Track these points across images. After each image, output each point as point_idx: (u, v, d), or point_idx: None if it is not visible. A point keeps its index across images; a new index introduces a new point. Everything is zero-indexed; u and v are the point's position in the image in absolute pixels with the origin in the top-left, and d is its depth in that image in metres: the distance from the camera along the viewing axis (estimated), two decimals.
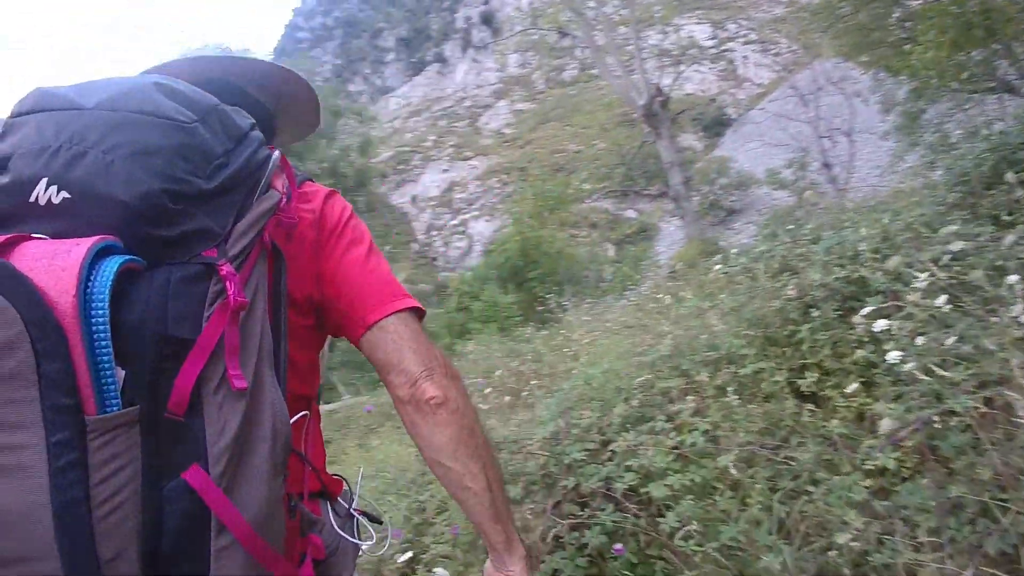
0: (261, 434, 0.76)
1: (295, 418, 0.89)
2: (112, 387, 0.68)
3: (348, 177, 30.64)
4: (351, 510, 1.14)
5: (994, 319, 1.94)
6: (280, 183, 0.91)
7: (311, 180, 1.09)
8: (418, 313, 1.03)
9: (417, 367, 0.97)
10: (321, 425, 1.14)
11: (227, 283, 0.75)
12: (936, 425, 1.78)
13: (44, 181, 0.73)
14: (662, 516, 1.96)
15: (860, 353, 2.26)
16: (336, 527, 1.04)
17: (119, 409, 0.68)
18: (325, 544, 1.00)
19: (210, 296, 0.74)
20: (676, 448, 2.17)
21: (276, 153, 0.93)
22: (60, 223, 0.73)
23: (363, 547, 1.13)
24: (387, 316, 0.99)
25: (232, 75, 1.15)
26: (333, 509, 1.08)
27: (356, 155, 33.58)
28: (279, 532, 0.80)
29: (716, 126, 36.75)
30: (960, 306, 2.09)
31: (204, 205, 0.79)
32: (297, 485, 0.98)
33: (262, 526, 0.75)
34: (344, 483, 1.16)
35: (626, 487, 2.09)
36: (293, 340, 0.94)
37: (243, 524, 0.72)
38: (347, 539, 1.05)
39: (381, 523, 1.19)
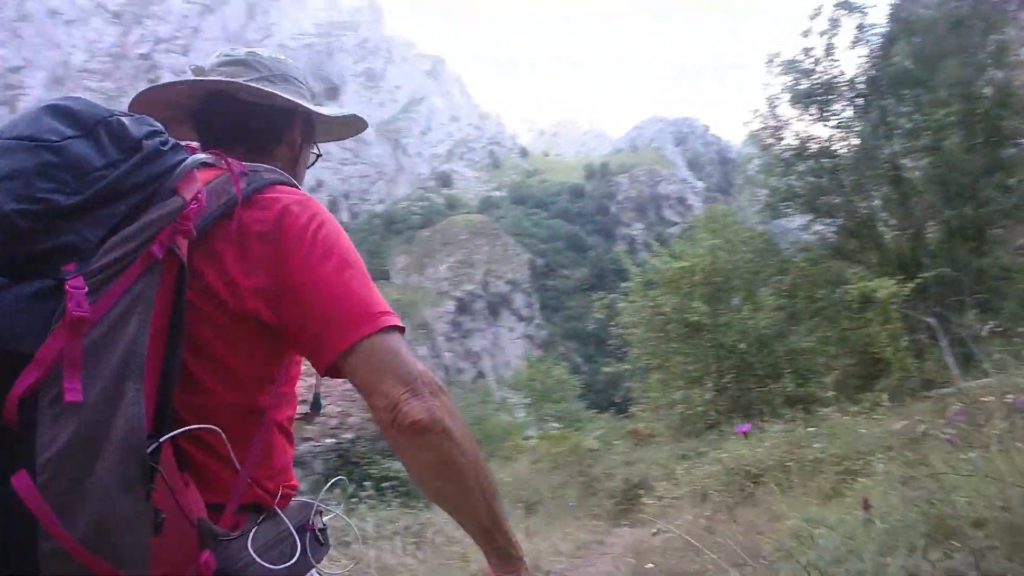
0: (107, 448, 0.76)
1: (188, 429, 0.90)
2: None
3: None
4: (305, 526, 1.09)
5: None
6: (191, 189, 0.91)
7: (284, 185, 1.06)
8: (397, 330, 0.99)
9: (396, 389, 0.93)
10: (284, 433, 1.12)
11: (68, 298, 0.76)
12: None
13: None
14: None
15: None
16: (251, 545, 0.97)
17: None
18: (231, 561, 0.94)
19: (58, 311, 0.76)
20: None
21: (190, 159, 0.95)
22: None
23: (315, 568, 1.09)
24: (361, 340, 0.95)
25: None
26: (263, 524, 1.02)
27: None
28: (134, 546, 0.79)
29: None
30: None
31: (73, 220, 0.82)
32: (221, 496, 0.97)
33: (95, 541, 0.75)
34: (292, 496, 1.12)
35: None
36: (229, 347, 0.97)
37: (66, 536, 0.73)
38: (254, 557, 0.96)
39: (323, 544, 1.12)
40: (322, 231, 1.01)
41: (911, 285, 9.62)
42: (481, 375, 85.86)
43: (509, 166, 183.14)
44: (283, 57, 1.26)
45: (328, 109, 1.28)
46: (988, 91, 11.22)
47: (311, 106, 1.22)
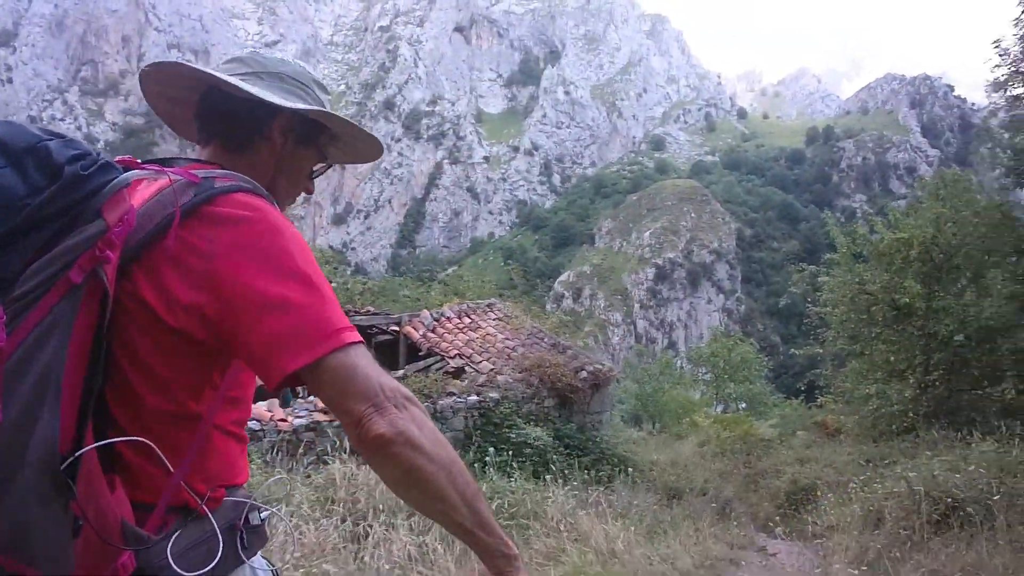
0: (23, 463, 0.83)
1: (112, 441, 0.95)
2: None
3: None
4: (235, 525, 1.09)
5: None
6: (116, 211, 0.93)
7: (241, 193, 1.03)
8: (355, 345, 0.99)
9: (360, 405, 0.96)
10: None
11: None
12: None
13: None
14: None
15: None
16: (171, 547, 0.98)
17: None
18: (150, 562, 0.96)
19: None
20: None
21: (119, 179, 0.97)
22: None
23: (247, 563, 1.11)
24: (321, 358, 0.96)
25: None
26: (190, 525, 1.03)
27: None
28: (51, 550, 0.87)
29: None
30: None
31: None
32: (151, 496, 1.00)
33: (11, 545, 0.84)
34: (223, 496, 1.10)
35: None
36: (163, 358, 0.99)
37: None
38: (169, 561, 0.97)
39: (259, 539, 1.15)
40: (274, 244, 0.99)
41: None
42: (673, 346, 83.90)
43: (725, 129, 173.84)
44: (291, 61, 1.28)
45: (301, 105, 1.21)
46: None
47: (277, 99, 1.17)
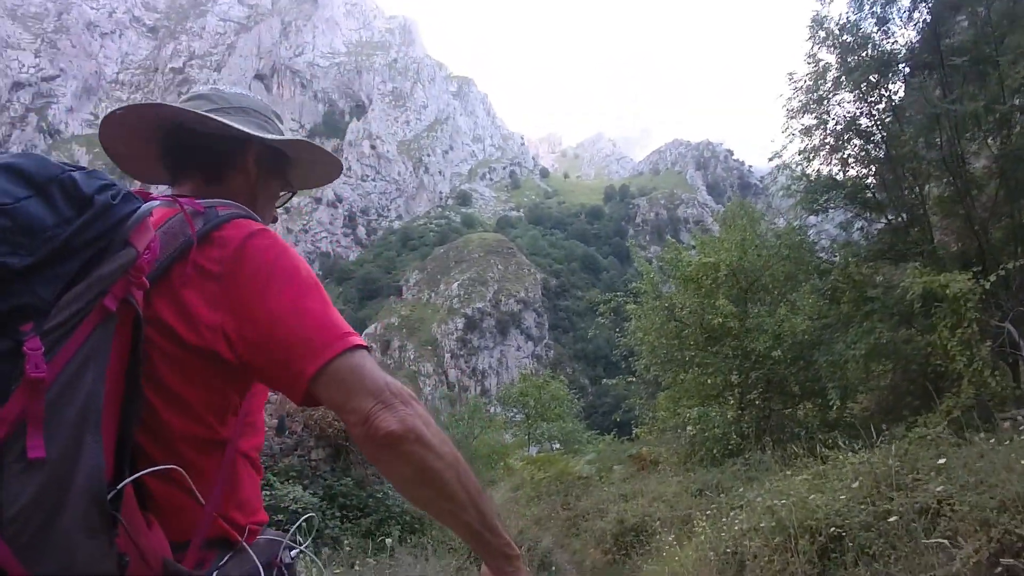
0: (70, 498, 0.80)
1: (150, 471, 0.94)
2: None
3: None
4: (272, 562, 1.10)
5: None
6: (143, 239, 0.93)
7: (241, 219, 1.08)
8: (361, 348, 1.01)
9: (366, 403, 0.96)
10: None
11: (26, 360, 0.79)
12: None
13: None
14: None
15: None
16: None
17: None
18: None
19: (17, 372, 0.79)
20: None
21: (143, 208, 0.95)
22: None
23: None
24: (326, 363, 0.97)
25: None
26: (230, 561, 1.03)
27: None
28: None
29: None
30: None
31: (27, 280, 0.82)
32: (186, 532, 0.99)
33: None
34: (259, 532, 1.12)
35: None
36: (188, 382, 1.00)
37: None
38: None
39: None
40: (279, 261, 1.03)
41: (992, 278, 7.60)
42: (485, 393, 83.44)
43: (529, 187, 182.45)
44: (249, 94, 1.32)
45: (276, 136, 1.27)
46: None
47: (252, 131, 1.21)
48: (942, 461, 3.89)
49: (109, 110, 1.19)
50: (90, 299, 0.85)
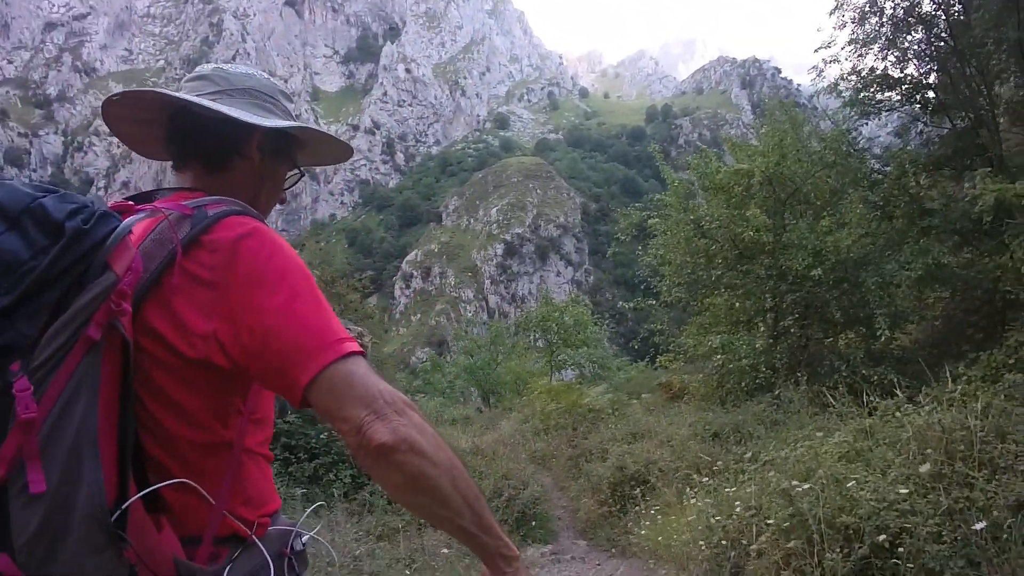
0: (73, 522, 0.83)
1: (157, 487, 0.94)
2: None
3: None
4: (282, 552, 1.10)
5: None
6: (123, 260, 0.91)
7: (233, 216, 1.03)
8: (354, 355, 0.98)
9: (359, 412, 0.94)
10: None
11: (16, 402, 0.81)
12: None
13: None
14: None
15: None
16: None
17: None
18: None
19: (12, 412, 0.82)
20: None
21: (121, 227, 0.93)
22: None
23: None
24: (321, 370, 0.95)
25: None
26: (242, 555, 1.04)
27: None
28: None
29: None
30: None
31: (10, 319, 0.82)
32: (197, 529, 1.00)
33: None
34: (269, 524, 1.11)
35: None
36: (186, 391, 0.98)
37: None
38: None
39: (303, 565, 1.14)
40: (272, 262, 1.00)
41: None
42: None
43: (568, 108, 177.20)
44: (256, 73, 1.26)
45: (280, 122, 1.21)
46: None
47: (254, 118, 1.17)
48: None
49: (109, 94, 1.15)
50: (73, 330, 0.85)
